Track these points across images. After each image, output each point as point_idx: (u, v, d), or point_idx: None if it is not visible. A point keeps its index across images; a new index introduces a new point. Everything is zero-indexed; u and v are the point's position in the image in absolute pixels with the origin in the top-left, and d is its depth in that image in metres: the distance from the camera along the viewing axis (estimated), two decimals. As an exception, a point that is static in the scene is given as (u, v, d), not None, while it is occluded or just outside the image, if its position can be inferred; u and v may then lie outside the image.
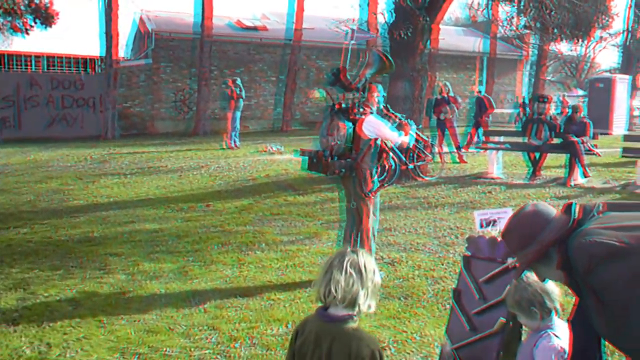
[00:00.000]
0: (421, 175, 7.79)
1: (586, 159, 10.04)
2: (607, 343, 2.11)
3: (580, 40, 25.53)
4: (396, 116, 5.55)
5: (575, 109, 10.65)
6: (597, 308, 1.90)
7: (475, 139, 14.09)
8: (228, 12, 38.66)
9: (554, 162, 11.60)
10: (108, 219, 7.89)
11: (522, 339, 2.90)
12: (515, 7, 18.00)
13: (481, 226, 3.22)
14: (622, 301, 1.82)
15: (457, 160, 12.85)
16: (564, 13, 15.16)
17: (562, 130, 10.34)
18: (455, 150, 13.17)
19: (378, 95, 5.32)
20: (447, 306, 4.41)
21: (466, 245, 3.29)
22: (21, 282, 5.32)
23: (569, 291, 2.10)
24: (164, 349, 3.96)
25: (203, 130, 20.16)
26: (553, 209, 2.10)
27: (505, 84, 28.24)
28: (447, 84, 14.00)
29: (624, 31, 26.66)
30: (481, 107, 14.20)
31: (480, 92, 14.70)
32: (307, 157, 5.38)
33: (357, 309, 2.09)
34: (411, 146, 5.49)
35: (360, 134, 5.09)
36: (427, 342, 4.04)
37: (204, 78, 20.33)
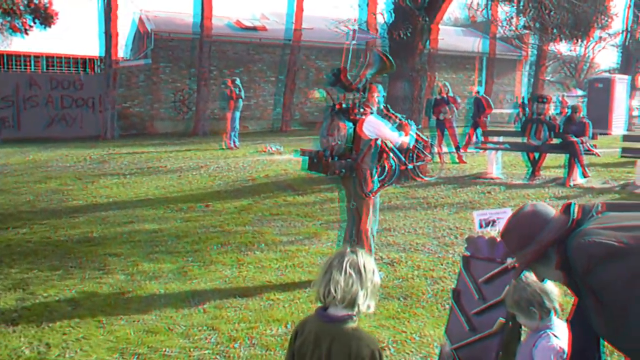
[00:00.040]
0: (420, 175, 7.79)
1: (585, 159, 10.05)
2: (606, 343, 2.11)
3: (579, 40, 25.55)
4: (396, 116, 5.55)
5: (574, 109, 10.66)
6: (596, 308, 1.90)
7: (474, 139, 14.09)
8: (227, 12, 38.69)
9: (553, 162, 11.61)
10: (107, 219, 7.89)
11: (522, 339, 2.90)
12: (515, 7, 18.01)
13: (480, 226, 3.22)
14: (621, 301, 1.82)
15: (457, 160, 12.86)
16: (563, 13, 15.17)
17: (561, 131, 10.35)
18: (454, 151, 13.18)
19: (378, 95, 5.33)
20: (447, 306, 4.41)
21: (465, 245, 3.30)
22: (20, 283, 5.32)
23: (568, 291, 2.10)
24: (163, 349, 3.96)
25: (202, 131, 20.16)
26: (552, 209, 2.10)
27: (505, 84, 28.25)
28: (447, 84, 14.01)
29: (623, 31, 26.66)
30: (479, 107, 14.20)
31: (478, 92, 14.71)
32: (307, 157, 5.39)
33: (356, 309, 2.09)
34: (411, 146, 5.49)
35: (360, 134, 5.09)
36: (426, 343, 4.04)
37: (204, 78, 20.33)
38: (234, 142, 15.97)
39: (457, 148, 13.19)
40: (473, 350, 3.01)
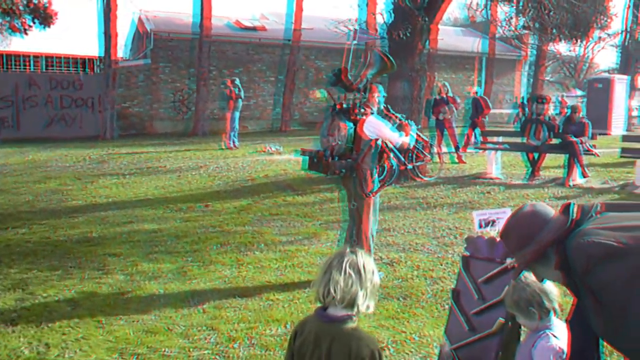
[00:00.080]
0: (420, 175, 7.78)
1: (585, 159, 10.06)
2: (605, 343, 2.11)
3: (578, 40, 25.54)
4: (396, 117, 5.55)
5: (574, 109, 10.66)
6: (595, 308, 1.90)
7: (473, 139, 14.10)
8: (227, 12, 38.70)
9: (553, 163, 11.61)
10: (107, 219, 7.89)
11: (521, 339, 2.90)
12: (514, 7, 18.01)
13: (480, 226, 3.22)
14: (620, 301, 1.82)
15: (456, 160, 12.86)
16: (562, 13, 15.17)
17: (560, 131, 10.35)
18: (454, 151, 13.19)
19: (379, 95, 5.33)
20: (446, 306, 4.41)
21: (465, 245, 3.30)
22: (20, 283, 5.32)
23: (567, 291, 2.10)
24: (163, 350, 3.96)
25: (202, 131, 20.16)
26: (551, 210, 2.10)
27: (504, 84, 28.26)
28: (446, 84, 14.02)
29: (622, 31, 26.67)
30: (478, 107, 14.21)
31: (476, 92, 14.72)
32: (307, 157, 5.39)
33: (356, 309, 2.09)
34: (411, 147, 5.49)
35: (361, 134, 5.09)
36: (426, 343, 4.04)
37: (203, 78, 20.32)
38: (234, 142, 15.97)
39: (457, 148, 13.20)
40: (472, 350, 3.01)
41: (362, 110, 5.19)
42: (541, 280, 2.24)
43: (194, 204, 8.77)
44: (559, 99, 26.25)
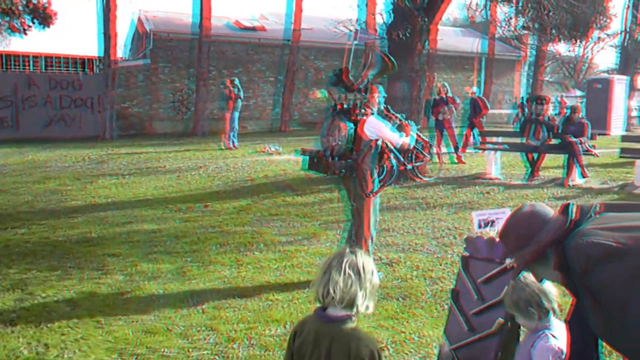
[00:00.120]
0: (419, 175, 7.79)
1: (584, 160, 10.06)
2: (604, 343, 2.11)
3: (578, 41, 25.53)
4: (396, 117, 5.56)
5: (573, 109, 10.67)
6: (594, 308, 1.90)
7: (471, 139, 14.11)
8: (226, 12, 38.69)
9: (552, 163, 11.62)
10: (106, 219, 7.89)
11: (520, 339, 2.90)
12: (514, 7, 18.01)
13: (479, 227, 3.22)
14: (618, 302, 1.82)
15: (456, 160, 12.86)
16: (562, 14, 15.18)
17: (560, 131, 10.36)
18: (453, 151, 13.19)
19: (379, 96, 5.33)
20: (446, 307, 4.41)
21: (464, 245, 3.30)
22: (19, 283, 5.32)
23: (567, 292, 2.10)
24: (162, 350, 3.96)
25: (201, 131, 20.16)
26: (550, 210, 2.10)
27: (504, 85, 28.28)
28: (446, 84, 14.02)
29: (621, 32, 26.68)
30: (475, 108, 14.22)
31: (474, 92, 14.73)
32: (307, 157, 5.39)
33: (355, 309, 2.09)
34: (411, 147, 5.50)
35: (361, 134, 5.10)
36: (425, 343, 4.04)
37: (202, 78, 20.32)
38: (233, 142, 15.97)
39: (456, 148, 13.20)
40: (472, 350, 3.01)
41: (363, 110, 5.19)
42: (540, 281, 2.24)
43: (193, 204, 8.77)
44: (559, 99, 26.25)
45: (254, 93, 23.04)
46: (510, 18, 19.36)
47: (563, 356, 2.39)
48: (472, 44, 27.09)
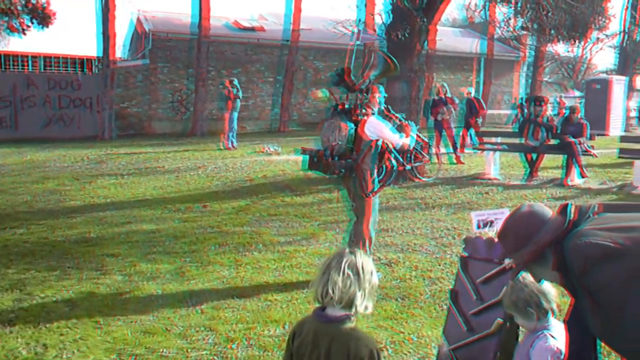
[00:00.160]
0: (418, 176, 7.80)
1: (583, 160, 10.07)
2: (602, 343, 2.11)
3: (577, 41, 25.54)
4: (397, 117, 5.57)
5: (572, 109, 10.68)
6: (592, 309, 1.90)
7: (468, 140, 14.13)
8: (225, 12, 38.70)
9: (551, 163, 11.63)
10: (105, 219, 7.88)
11: (519, 339, 2.90)
12: (513, 8, 18.01)
13: (478, 227, 3.22)
14: (617, 302, 1.82)
15: (454, 161, 12.87)
16: (560, 14, 15.19)
17: (559, 131, 10.37)
18: (452, 151, 13.20)
19: (379, 96, 5.34)
20: (445, 307, 4.41)
21: (463, 246, 3.30)
22: (17, 283, 5.31)
23: (565, 292, 2.10)
24: (161, 350, 3.96)
25: (200, 131, 20.16)
26: (549, 210, 2.10)
27: (503, 85, 28.30)
28: (445, 84, 14.03)
29: (620, 32, 26.70)
30: (472, 108, 14.25)
31: (470, 93, 14.75)
32: (307, 156, 5.40)
33: (354, 309, 2.10)
34: (411, 148, 5.50)
35: (362, 135, 5.10)
36: (424, 343, 4.04)
37: (201, 78, 20.32)
38: (232, 142, 15.96)
39: (455, 149, 13.21)
40: (471, 350, 3.02)
41: (364, 110, 5.19)
42: (539, 281, 2.24)
43: (192, 205, 8.76)
44: (557, 99, 26.29)
45: (253, 93, 23.04)
46: (509, 18, 19.36)
47: (562, 356, 2.39)
48: (471, 44, 27.11)
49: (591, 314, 1.92)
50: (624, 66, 25.83)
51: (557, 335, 2.50)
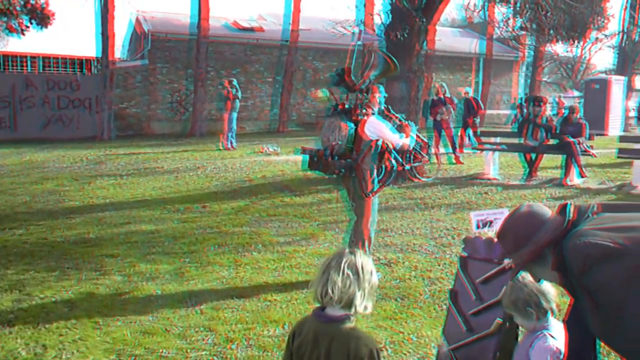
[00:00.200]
0: (417, 176, 7.81)
1: (582, 160, 10.07)
2: (602, 343, 2.12)
3: (576, 41, 25.57)
4: (397, 117, 5.57)
5: (571, 109, 10.69)
6: (591, 309, 1.91)
7: (466, 140, 14.15)
8: (224, 12, 38.68)
9: (550, 163, 11.63)
10: (104, 220, 7.88)
11: (519, 339, 2.91)
12: (511, 8, 18.03)
13: (477, 227, 3.22)
14: (616, 302, 1.82)
15: (454, 161, 12.88)
16: (559, 14, 15.20)
17: (558, 131, 10.38)
18: (451, 151, 13.21)
19: (379, 96, 5.34)
20: (444, 307, 4.41)
21: (463, 246, 3.30)
22: (17, 284, 5.31)
23: (565, 292, 2.10)
24: (160, 351, 3.95)
25: (199, 131, 20.16)
26: (548, 210, 2.10)
27: (502, 85, 28.31)
28: (444, 85, 14.05)
29: (619, 32, 26.72)
30: (470, 108, 14.26)
31: (467, 93, 14.76)
32: (307, 156, 5.40)
33: (353, 309, 2.10)
34: (411, 148, 5.51)
35: (362, 135, 5.10)
36: (423, 343, 4.04)
37: (200, 79, 20.32)
38: (231, 142, 15.96)
39: (454, 149, 13.22)
40: (470, 350, 3.02)
41: (364, 110, 5.20)
42: (538, 281, 2.25)
43: (191, 205, 8.76)
44: (556, 99, 26.31)
45: (252, 94, 23.04)
46: (508, 19, 19.37)
47: (561, 356, 2.39)
48: (470, 44, 27.12)
49: (590, 313, 1.92)
50: (622, 66, 25.85)
51: (556, 335, 2.50)
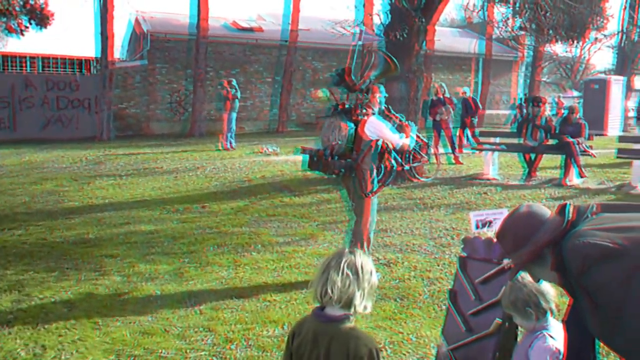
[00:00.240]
0: (417, 176, 7.81)
1: (581, 160, 10.08)
2: (601, 343, 2.12)
3: (575, 41, 25.59)
4: (397, 117, 5.57)
5: (571, 110, 10.69)
6: (590, 309, 1.91)
7: (464, 140, 14.16)
8: (224, 13, 38.67)
9: (550, 163, 11.64)
10: (103, 220, 7.87)
11: (518, 339, 2.91)
12: (511, 8, 18.04)
13: (477, 227, 3.22)
14: (615, 302, 1.82)
15: (453, 161, 12.88)
16: (559, 14, 15.21)
17: (557, 132, 10.38)
18: (450, 152, 13.21)
19: (380, 96, 5.34)
20: (443, 307, 4.41)
21: (462, 246, 3.30)
22: (16, 284, 5.30)
23: (564, 292, 2.10)
24: (160, 351, 3.95)
25: (199, 132, 20.16)
26: (547, 210, 2.10)
27: (501, 85, 28.33)
28: (443, 85, 14.05)
29: (618, 32, 26.73)
30: (467, 108, 14.26)
31: (465, 92, 14.76)
32: (307, 156, 5.40)
33: (352, 309, 2.10)
34: (411, 148, 5.51)
35: (362, 135, 5.11)
36: (423, 343, 4.04)
37: (200, 79, 20.32)
38: (231, 143, 15.96)
39: (454, 149, 13.22)
40: (470, 350, 3.02)
41: (364, 110, 5.20)
42: (537, 281, 2.25)
43: (190, 205, 8.76)
44: (556, 100, 26.32)
45: (251, 94, 23.04)
46: (508, 19, 19.39)
47: (560, 356, 2.39)
48: (470, 44, 27.12)
49: (590, 314, 1.92)
50: (622, 66, 25.87)
51: (555, 335, 2.50)
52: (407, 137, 5.33)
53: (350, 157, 5.15)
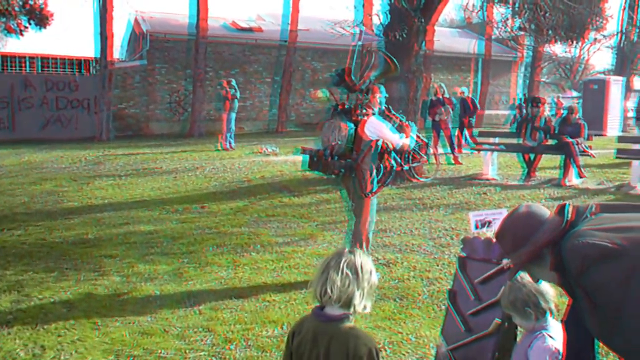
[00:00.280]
0: (416, 176, 7.80)
1: (581, 160, 10.08)
2: (600, 343, 2.12)
3: (574, 41, 25.63)
4: (397, 117, 5.57)
5: (570, 110, 10.69)
6: (589, 309, 1.91)
7: (463, 140, 14.17)
8: (223, 13, 38.67)
9: (549, 163, 11.64)
10: (103, 220, 7.87)
11: (517, 339, 2.91)
12: (510, 8, 18.06)
13: (476, 227, 3.22)
14: (614, 302, 1.82)
15: (452, 161, 12.88)
16: (558, 15, 15.22)
17: (556, 132, 10.38)
18: (450, 152, 13.22)
19: (380, 96, 5.34)
20: (443, 307, 4.42)
21: (461, 246, 3.30)
22: (15, 284, 5.30)
23: (563, 292, 2.10)
24: (159, 351, 3.95)
25: (198, 132, 20.16)
26: (546, 210, 2.10)
27: (500, 86, 28.34)
28: (442, 85, 14.05)
29: (617, 33, 26.75)
30: (465, 108, 14.27)
31: (463, 92, 14.77)
32: (307, 156, 5.40)
33: (352, 309, 2.10)
34: (411, 148, 5.52)
35: (362, 135, 5.11)
36: (422, 343, 4.05)
37: (199, 79, 20.32)
38: (230, 143, 15.96)
39: (453, 149, 13.23)
40: (469, 351, 3.02)
41: (364, 111, 5.20)
42: (536, 281, 2.25)
43: (190, 205, 8.76)
44: (555, 100, 26.34)
45: (250, 94, 23.04)
46: (507, 19, 19.42)
47: (560, 356, 2.39)
48: (469, 44, 27.14)
49: (589, 314, 1.92)
50: (621, 67, 25.89)
51: (555, 335, 2.51)
52: (407, 137, 5.34)
53: (350, 157, 5.15)
